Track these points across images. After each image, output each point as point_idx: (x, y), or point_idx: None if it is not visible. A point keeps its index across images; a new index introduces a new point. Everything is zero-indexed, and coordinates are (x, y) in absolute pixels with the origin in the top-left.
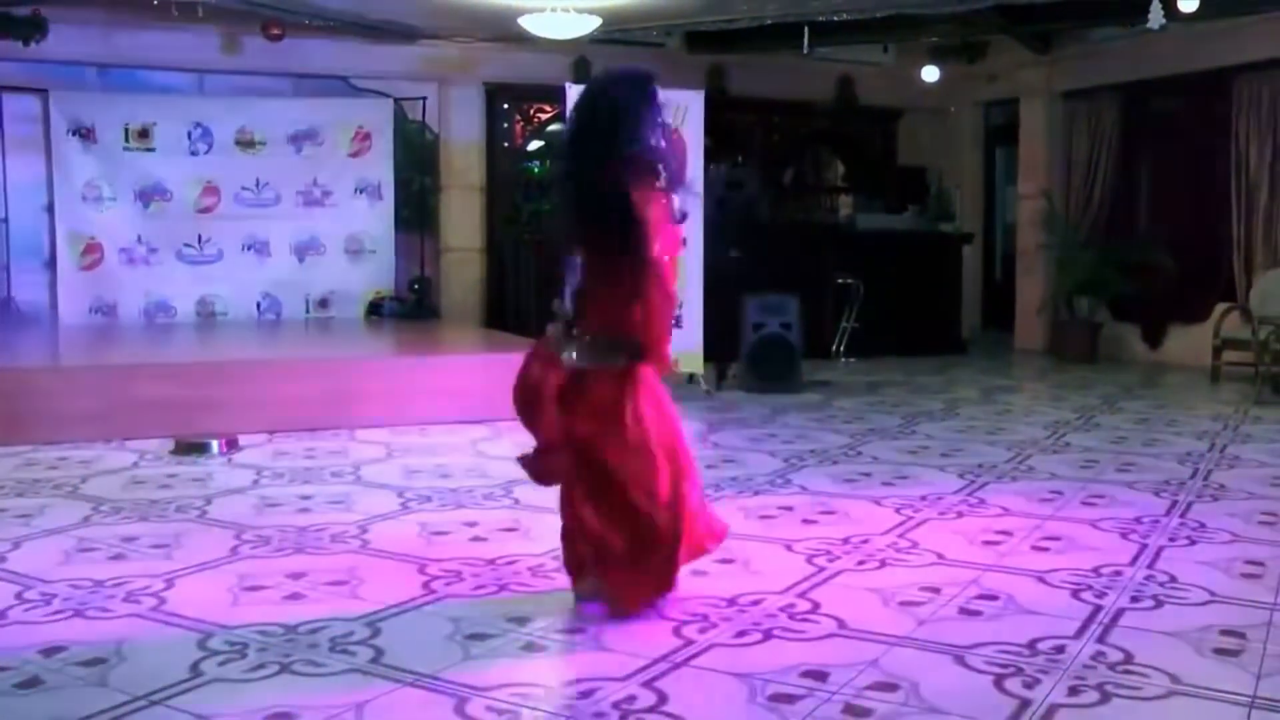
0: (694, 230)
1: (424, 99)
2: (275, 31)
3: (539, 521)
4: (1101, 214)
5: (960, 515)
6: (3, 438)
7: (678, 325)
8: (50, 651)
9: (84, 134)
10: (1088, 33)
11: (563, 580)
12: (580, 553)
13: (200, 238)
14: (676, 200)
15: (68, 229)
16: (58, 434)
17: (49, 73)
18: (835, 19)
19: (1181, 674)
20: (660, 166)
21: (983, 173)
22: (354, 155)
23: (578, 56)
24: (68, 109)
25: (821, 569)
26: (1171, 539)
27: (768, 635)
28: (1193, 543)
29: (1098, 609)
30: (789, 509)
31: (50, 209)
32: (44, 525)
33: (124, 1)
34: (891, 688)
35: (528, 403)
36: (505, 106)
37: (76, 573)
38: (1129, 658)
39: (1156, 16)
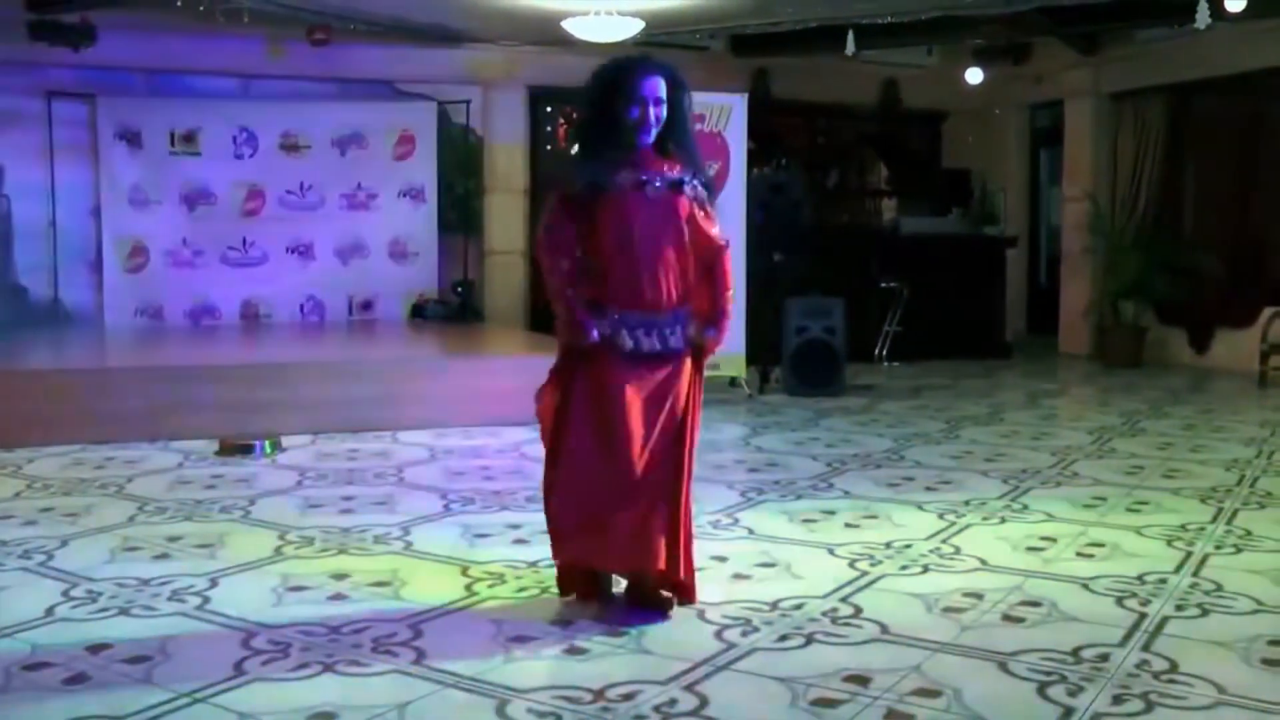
0: (737, 234)
1: (468, 102)
2: (320, 36)
3: None
4: (1147, 216)
5: (1004, 521)
6: (51, 437)
7: None
8: (96, 648)
9: (131, 138)
10: (1134, 33)
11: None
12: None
13: (245, 240)
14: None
15: (114, 232)
16: (104, 434)
17: (97, 78)
18: (880, 21)
19: (1228, 684)
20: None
21: (1028, 175)
22: (398, 158)
23: None
24: (115, 114)
25: (864, 573)
26: (1217, 547)
27: (810, 639)
28: (1239, 551)
29: (1142, 617)
30: (831, 513)
31: (97, 212)
32: (91, 524)
33: (171, 8)
34: (934, 694)
35: None
36: (549, 110)
37: (122, 571)
38: (1174, 667)
39: (1203, 16)
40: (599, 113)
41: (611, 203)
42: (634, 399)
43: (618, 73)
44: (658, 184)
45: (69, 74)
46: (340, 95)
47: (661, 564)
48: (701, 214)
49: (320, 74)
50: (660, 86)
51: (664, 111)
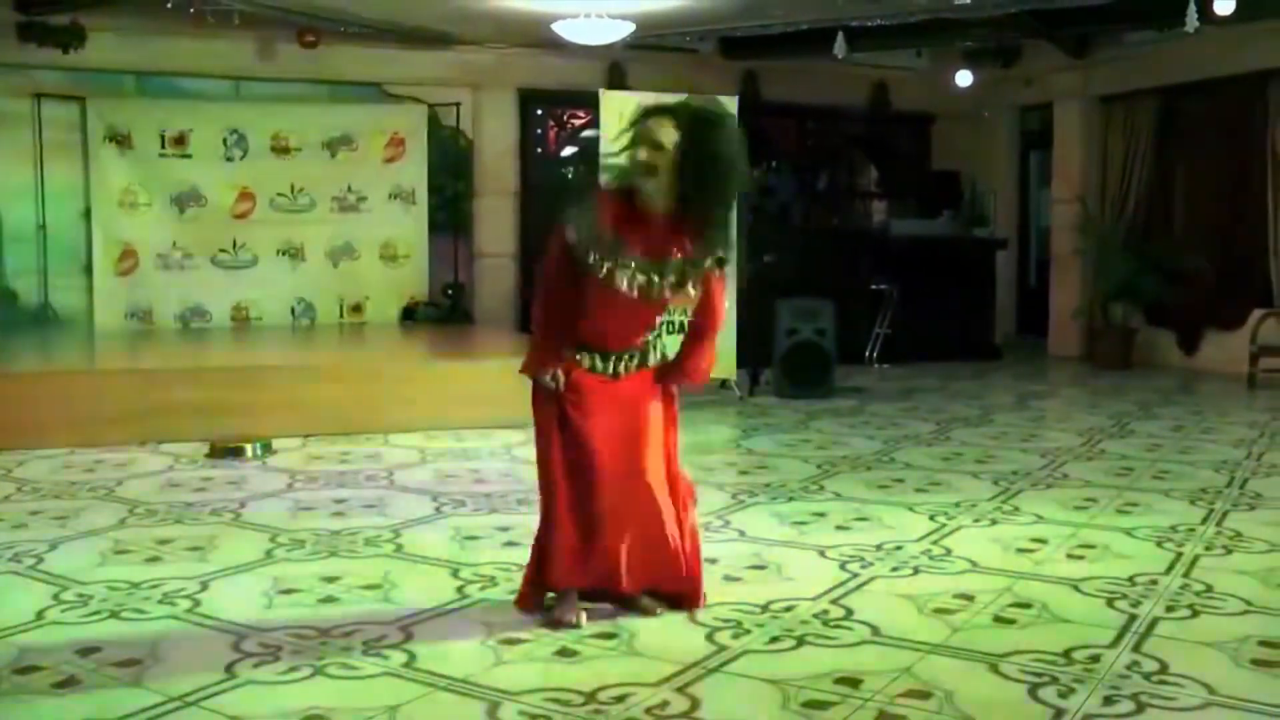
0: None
1: (458, 105)
2: (310, 39)
3: None
4: (1137, 218)
5: (994, 522)
6: (41, 440)
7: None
8: (87, 651)
9: (121, 140)
10: (1123, 36)
11: None
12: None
13: (235, 243)
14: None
15: (104, 235)
16: (94, 437)
17: (87, 80)
18: (869, 24)
19: (1218, 685)
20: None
21: (1017, 177)
22: (388, 161)
23: (611, 62)
24: (105, 116)
25: (855, 575)
26: (1207, 548)
27: (801, 641)
28: (1229, 552)
29: (1133, 618)
30: (822, 515)
31: (87, 215)
32: (81, 527)
33: (161, 10)
34: (925, 695)
35: None
36: (539, 112)
37: (113, 574)
38: (1164, 667)
39: (1192, 20)
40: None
41: (596, 279)
42: (602, 419)
43: (635, 115)
44: (641, 280)
45: (58, 75)
46: (330, 98)
47: (684, 578)
48: (701, 289)
49: (310, 76)
50: (661, 128)
51: (669, 158)
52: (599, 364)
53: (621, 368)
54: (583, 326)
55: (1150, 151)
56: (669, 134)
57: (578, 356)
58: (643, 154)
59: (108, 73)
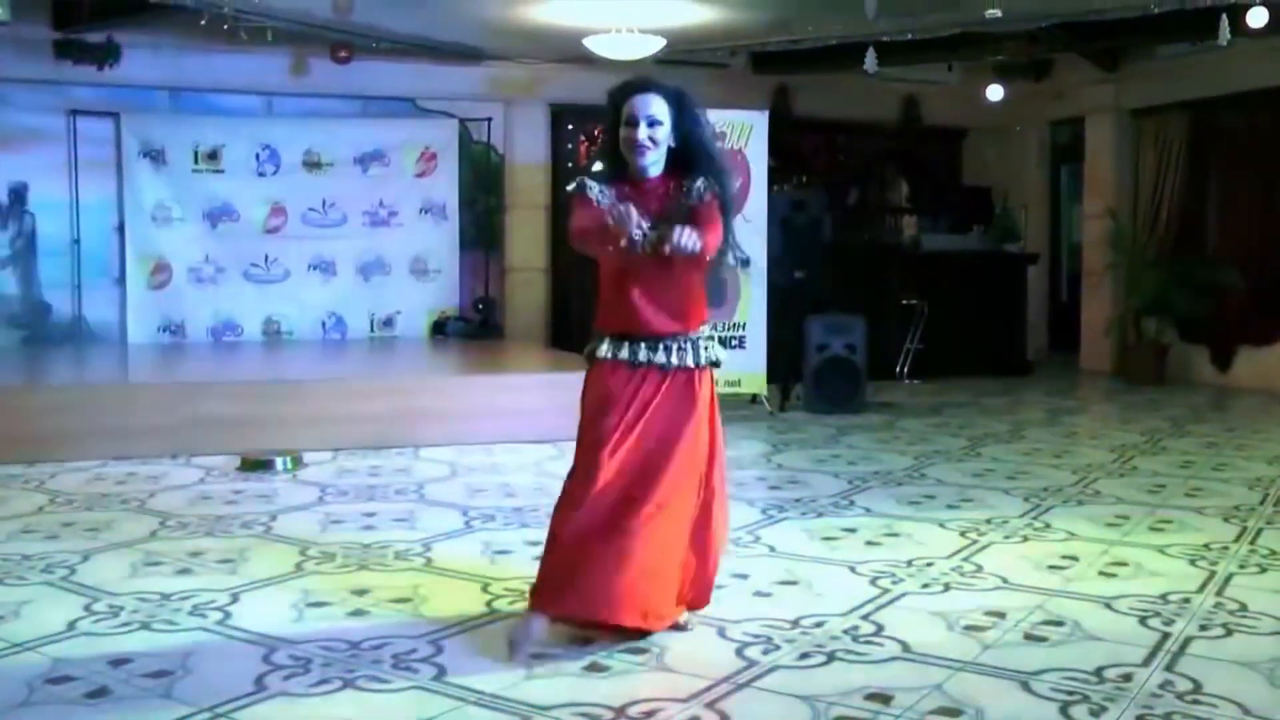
0: (758, 251)
1: (489, 120)
2: (343, 54)
3: None
4: (1169, 233)
5: (1025, 539)
6: (73, 453)
7: (740, 346)
8: (118, 662)
9: (154, 156)
10: (1155, 49)
11: None
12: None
13: (267, 258)
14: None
15: (137, 249)
16: (126, 450)
17: (121, 96)
18: (900, 38)
19: (1252, 705)
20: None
21: (1049, 192)
22: (420, 176)
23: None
24: (139, 131)
25: (885, 591)
26: (1241, 566)
27: (831, 657)
28: (1263, 570)
29: (1165, 636)
30: (853, 531)
31: (121, 229)
32: (112, 539)
33: (195, 26)
34: (956, 713)
35: None
36: (570, 127)
37: (144, 586)
38: (1198, 687)
39: (1225, 32)
40: (609, 137)
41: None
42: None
43: (614, 94)
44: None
45: (93, 92)
46: (362, 113)
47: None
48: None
49: (343, 92)
50: (651, 104)
51: (661, 132)
52: (625, 351)
53: (665, 353)
54: (609, 311)
55: (1182, 165)
56: (662, 108)
57: (602, 350)
58: (631, 130)
59: (142, 89)
